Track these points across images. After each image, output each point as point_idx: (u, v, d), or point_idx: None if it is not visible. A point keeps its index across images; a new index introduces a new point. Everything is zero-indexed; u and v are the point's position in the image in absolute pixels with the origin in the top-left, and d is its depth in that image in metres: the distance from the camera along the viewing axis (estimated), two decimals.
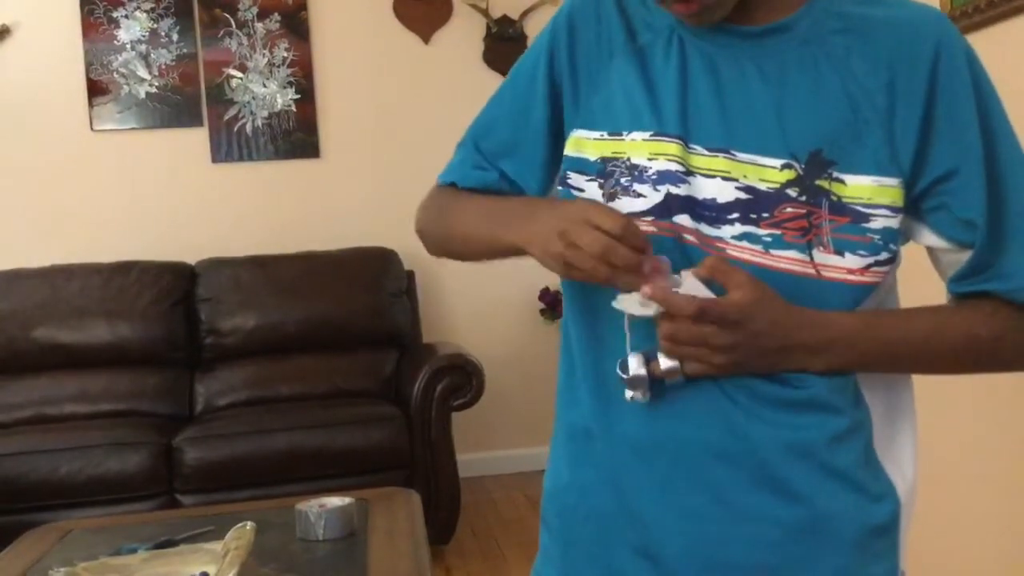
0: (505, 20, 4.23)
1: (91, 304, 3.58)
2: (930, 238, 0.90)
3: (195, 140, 4.04)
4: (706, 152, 0.89)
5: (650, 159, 0.90)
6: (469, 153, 1.08)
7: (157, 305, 3.62)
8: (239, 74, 4.05)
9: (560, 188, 0.99)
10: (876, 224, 0.86)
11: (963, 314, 0.90)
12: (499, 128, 1.06)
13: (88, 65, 3.93)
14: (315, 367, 3.66)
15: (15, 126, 3.90)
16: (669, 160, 0.89)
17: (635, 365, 0.87)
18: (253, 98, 4.06)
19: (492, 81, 4.22)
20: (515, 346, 4.20)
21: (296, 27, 4.08)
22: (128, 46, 3.96)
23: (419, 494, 2.32)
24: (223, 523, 1.85)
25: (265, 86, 4.07)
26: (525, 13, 4.24)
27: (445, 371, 3.31)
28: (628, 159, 0.92)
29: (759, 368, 0.87)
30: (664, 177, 0.89)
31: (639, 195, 0.90)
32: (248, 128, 4.06)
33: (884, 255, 0.87)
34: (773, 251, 0.85)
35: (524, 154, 1.03)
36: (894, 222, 0.87)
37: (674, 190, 0.88)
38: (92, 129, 3.96)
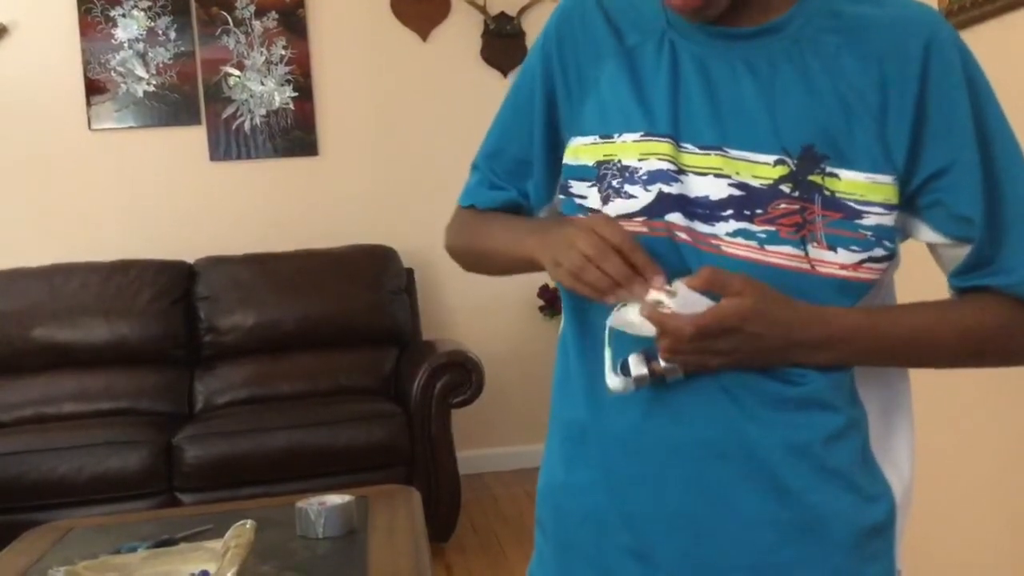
0: (503, 16, 4.23)
1: (90, 303, 3.58)
2: (928, 234, 0.90)
3: (193, 138, 4.03)
4: (698, 150, 0.89)
5: (640, 159, 0.90)
6: (483, 175, 1.10)
7: (156, 303, 3.62)
8: (237, 72, 4.04)
9: (562, 197, 0.99)
10: (869, 221, 0.86)
11: (964, 308, 0.90)
12: (507, 147, 1.07)
13: (86, 64, 3.93)
14: (314, 365, 3.66)
15: (13, 125, 3.89)
16: (660, 159, 0.89)
17: (636, 364, 0.87)
18: (251, 96, 4.05)
19: (490, 78, 4.22)
20: (514, 343, 4.20)
21: (294, 25, 4.08)
22: (126, 45, 3.95)
23: (419, 491, 2.33)
24: (223, 521, 1.85)
25: (263, 84, 4.06)
26: (523, 9, 4.24)
27: (445, 368, 3.31)
28: (619, 161, 0.92)
29: (759, 365, 0.87)
30: (655, 176, 0.89)
31: (630, 196, 0.90)
32: (246, 126, 4.06)
33: (878, 252, 0.87)
34: (768, 247, 0.85)
35: (534, 171, 1.04)
36: (887, 219, 0.87)
37: (666, 189, 0.88)
38: (90, 128, 3.96)
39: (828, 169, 0.86)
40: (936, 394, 2.27)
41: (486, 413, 3.95)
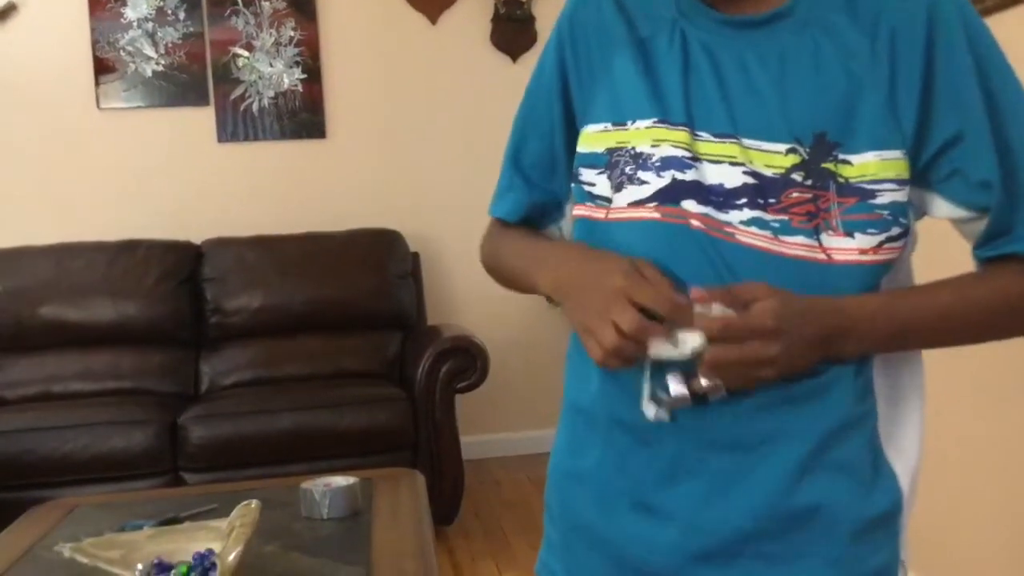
0: (513, 1, 4.21)
1: (97, 282, 3.58)
2: (946, 209, 0.89)
3: (201, 119, 4.03)
4: (713, 138, 0.88)
5: (654, 146, 0.90)
6: (509, 176, 1.09)
7: (162, 284, 3.63)
8: (246, 53, 4.03)
9: (573, 185, 0.99)
10: (883, 199, 0.85)
11: (985, 282, 0.89)
12: (529, 145, 1.07)
13: (94, 43, 3.92)
14: (320, 347, 3.67)
15: (21, 104, 3.89)
16: (674, 146, 0.89)
17: (676, 384, 0.84)
18: (259, 77, 4.05)
19: (499, 62, 4.21)
20: (519, 328, 4.20)
21: (303, 6, 4.07)
22: (135, 24, 3.95)
23: (423, 475, 2.33)
24: (228, 501, 1.85)
25: (272, 65, 4.05)
26: None
27: (449, 353, 3.31)
28: (632, 148, 0.91)
29: (803, 367, 0.85)
30: (669, 163, 0.88)
31: (643, 182, 0.89)
32: (254, 108, 4.05)
33: (895, 230, 0.86)
34: (782, 237, 0.85)
35: (559, 166, 1.04)
36: (901, 195, 0.86)
37: (680, 175, 0.88)
38: (98, 107, 3.96)
39: (840, 156, 0.85)
40: (943, 389, 2.26)
41: (490, 399, 3.96)
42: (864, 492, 0.90)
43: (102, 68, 3.93)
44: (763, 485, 0.88)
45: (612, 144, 0.94)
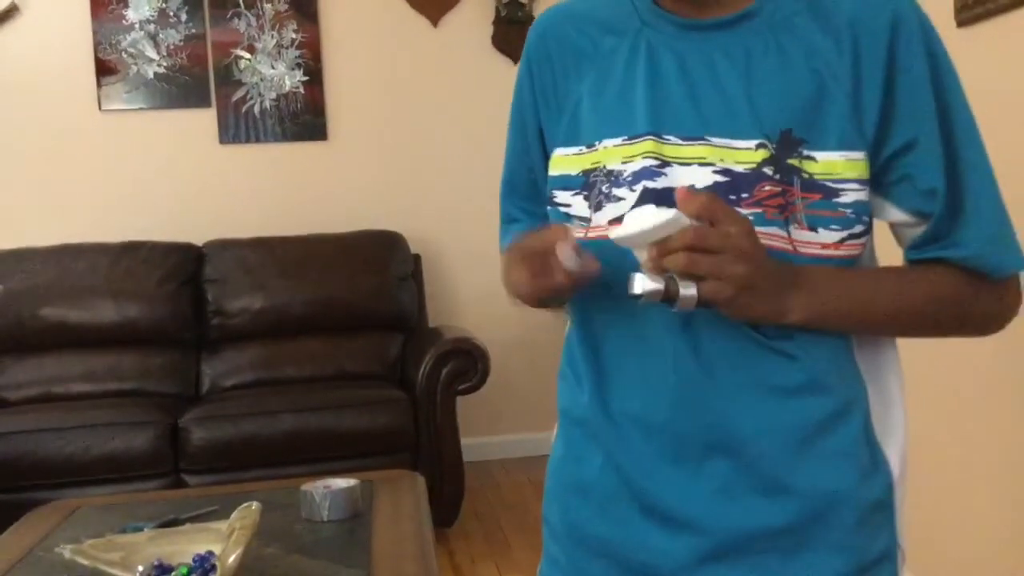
0: (514, 3, 4.21)
1: (98, 284, 3.58)
2: (892, 213, 0.91)
3: (203, 121, 4.03)
4: (681, 141, 0.90)
5: (624, 162, 0.91)
6: (506, 208, 1.13)
7: (164, 285, 3.63)
8: (247, 55, 4.04)
9: (549, 208, 1.00)
10: (847, 199, 0.87)
11: (922, 274, 0.92)
12: (517, 173, 1.10)
13: (96, 45, 3.93)
14: (321, 349, 3.67)
15: (23, 106, 3.90)
16: (644, 157, 0.90)
17: (647, 281, 0.80)
18: (261, 79, 4.05)
19: (501, 64, 4.21)
20: (521, 331, 4.20)
21: (305, 8, 4.07)
22: (137, 26, 3.95)
23: (423, 477, 2.33)
24: (228, 503, 1.85)
25: (273, 67, 4.06)
26: None
27: (451, 355, 3.31)
28: (605, 167, 0.93)
29: (755, 307, 0.83)
30: (640, 175, 0.89)
31: (619, 199, 0.91)
32: (256, 109, 4.06)
33: (858, 228, 0.88)
34: (757, 228, 0.85)
35: (544, 194, 1.05)
36: (863, 195, 0.88)
37: (651, 184, 0.89)
38: (100, 109, 3.96)
39: (805, 152, 0.87)
40: (939, 383, 2.27)
41: (491, 401, 3.96)
42: (862, 478, 0.91)
43: (104, 70, 3.94)
44: (768, 480, 0.89)
45: (587, 166, 0.95)
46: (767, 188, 0.86)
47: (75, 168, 3.95)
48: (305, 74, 4.08)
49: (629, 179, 0.90)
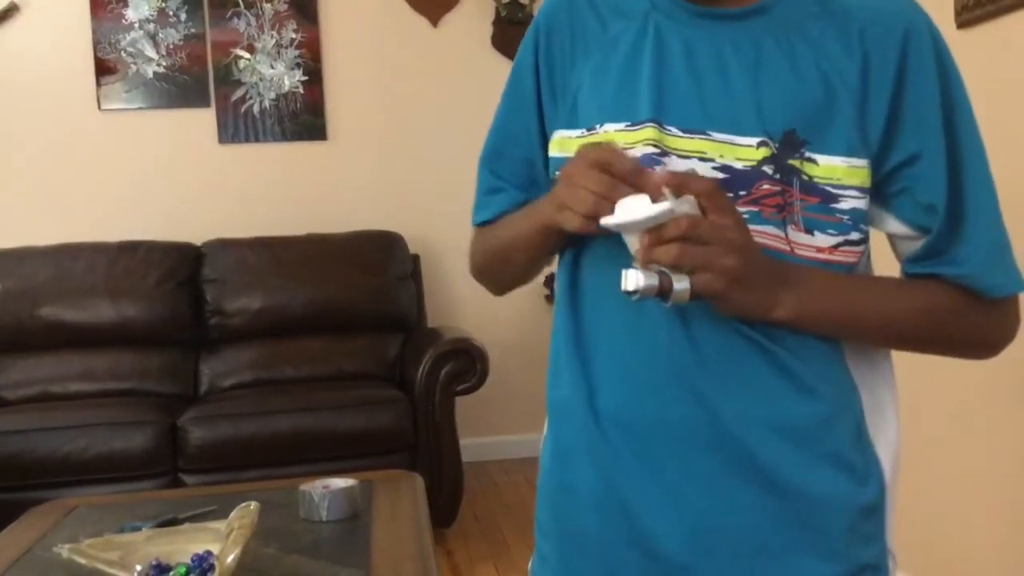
0: (514, 3, 4.21)
1: (97, 283, 3.58)
2: (892, 224, 0.91)
3: (202, 121, 4.03)
4: (682, 134, 0.89)
5: (625, 148, 0.91)
6: (489, 180, 1.10)
7: (163, 285, 3.63)
8: (247, 55, 4.04)
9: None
10: (845, 205, 0.87)
11: (917, 287, 0.92)
12: (508, 147, 1.08)
13: (96, 44, 3.93)
14: (320, 349, 3.67)
15: (23, 105, 3.90)
16: (645, 144, 0.89)
17: (648, 274, 0.79)
18: (261, 79, 4.05)
19: (501, 65, 4.21)
20: (519, 331, 4.20)
21: (304, 8, 4.07)
22: (136, 25, 3.95)
23: (422, 477, 2.33)
24: (227, 502, 1.85)
25: (273, 67, 4.06)
26: None
27: (449, 355, 3.31)
28: None
29: (744, 299, 0.84)
30: (640, 162, 0.89)
31: None
32: (255, 109, 4.05)
33: (854, 235, 0.88)
34: (752, 226, 0.85)
35: (538, 168, 1.04)
36: (862, 203, 0.88)
37: None
38: (99, 109, 3.96)
39: (807, 154, 0.87)
40: (936, 387, 2.26)
41: (490, 401, 3.96)
42: (853, 482, 0.91)
43: (103, 69, 3.94)
44: (759, 481, 0.88)
45: None
46: (765, 187, 0.86)
47: (74, 167, 3.95)
48: (304, 74, 4.08)
49: None
